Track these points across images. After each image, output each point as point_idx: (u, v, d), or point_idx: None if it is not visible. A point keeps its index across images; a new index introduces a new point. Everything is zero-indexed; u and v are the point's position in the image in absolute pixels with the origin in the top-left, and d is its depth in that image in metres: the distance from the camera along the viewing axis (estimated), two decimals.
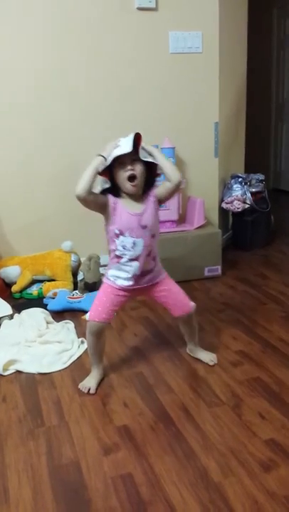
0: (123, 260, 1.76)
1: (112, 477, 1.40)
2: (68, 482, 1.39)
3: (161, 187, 1.79)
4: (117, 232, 1.73)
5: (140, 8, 2.79)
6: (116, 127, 2.88)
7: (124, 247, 1.74)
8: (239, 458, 1.44)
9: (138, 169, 1.68)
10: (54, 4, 2.68)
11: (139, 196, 1.75)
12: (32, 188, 2.89)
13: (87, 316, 1.84)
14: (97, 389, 1.83)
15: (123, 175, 1.67)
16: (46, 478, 1.41)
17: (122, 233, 1.73)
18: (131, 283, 1.80)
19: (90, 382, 1.85)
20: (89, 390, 1.82)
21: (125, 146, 1.64)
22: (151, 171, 1.74)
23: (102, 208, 1.72)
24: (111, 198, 1.72)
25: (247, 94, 3.60)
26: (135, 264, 1.76)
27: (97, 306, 1.81)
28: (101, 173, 1.68)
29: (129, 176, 1.67)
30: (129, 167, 1.67)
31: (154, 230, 1.78)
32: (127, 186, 1.69)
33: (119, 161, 1.66)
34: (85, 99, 2.85)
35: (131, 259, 1.76)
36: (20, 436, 1.60)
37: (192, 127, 3.05)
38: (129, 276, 1.79)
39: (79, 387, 1.85)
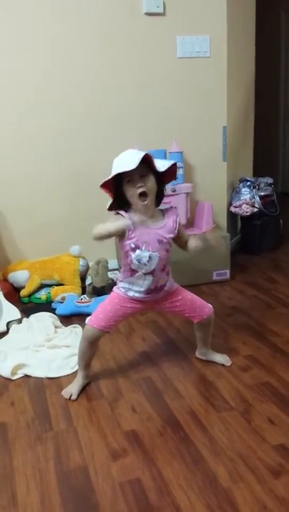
0: (138, 274, 1.75)
1: (120, 482, 1.39)
2: (76, 487, 1.39)
3: (183, 236, 1.81)
4: (133, 246, 1.71)
5: (148, 13, 2.81)
6: (123, 132, 2.89)
7: (139, 261, 1.72)
8: (248, 463, 1.43)
9: (149, 184, 1.65)
10: (62, 9, 2.70)
11: (154, 210, 1.74)
12: (40, 193, 2.90)
13: (86, 320, 1.84)
14: (79, 395, 1.82)
15: (133, 192, 1.64)
16: (54, 483, 1.41)
17: (138, 247, 1.71)
18: (142, 295, 1.80)
19: (72, 389, 1.84)
20: (71, 396, 1.81)
21: (129, 163, 1.58)
22: (162, 182, 1.73)
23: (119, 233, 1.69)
24: (125, 215, 1.68)
25: (255, 97, 3.59)
26: (149, 278, 1.75)
27: (99, 313, 1.80)
28: (104, 187, 1.67)
29: (140, 192, 1.64)
30: (138, 184, 1.63)
31: (168, 245, 1.76)
32: (138, 204, 1.67)
33: (128, 179, 1.63)
34: (92, 104, 2.86)
35: (146, 274, 1.75)
36: (29, 441, 1.60)
37: (200, 131, 3.05)
38: (142, 289, 1.78)
39: (62, 393, 1.84)
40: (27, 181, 2.87)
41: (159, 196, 1.75)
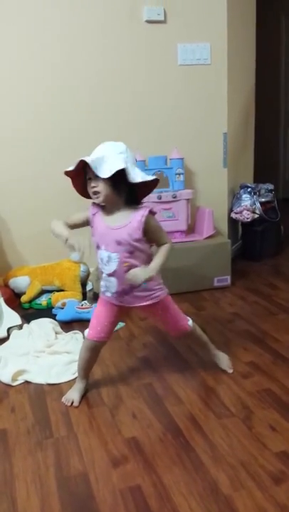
0: (103, 275, 1.72)
1: (120, 489, 1.38)
2: (76, 494, 1.38)
3: (155, 239, 1.69)
4: (95, 244, 1.69)
5: (149, 21, 2.82)
6: (124, 138, 2.89)
7: (102, 261, 1.70)
8: (249, 470, 1.43)
9: (100, 185, 1.59)
10: (63, 16, 2.72)
11: (121, 208, 1.66)
12: (42, 198, 2.91)
13: (85, 332, 1.82)
14: (80, 402, 1.82)
15: (89, 190, 1.63)
16: (54, 490, 1.40)
17: (98, 246, 1.69)
18: (116, 299, 1.75)
19: (73, 395, 1.83)
20: (72, 402, 1.81)
21: (79, 160, 1.59)
22: (136, 184, 1.62)
23: (87, 223, 1.70)
24: (92, 208, 1.69)
25: (255, 103, 3.60)
26: (113, 280, 1.69)
27: (96, 326, 1.78)
28: (73, 182, 1.66)
29: (92, 192, 1.62)
30: (92, 184, 1.61)
31: (132, 247, 1.64)
32: (94, 199, 1.65)
33: (88, 176, 1.62)
34: (94, 110, 2.87)
35: (108, 275, 1.70)
36: (29, 447, 1.59)
37: (201, 138, 3.06)
38: (113, 291, 1.73)
39: (62, 400, 1.83)
40: (28, 187, 2.88)
41: (132, 195, 1.66)
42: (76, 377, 1.92)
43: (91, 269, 2.83)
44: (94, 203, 1.70)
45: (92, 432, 1.66)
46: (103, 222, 1.67)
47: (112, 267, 1.67)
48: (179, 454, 1.52)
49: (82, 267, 2.83)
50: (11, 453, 1.57)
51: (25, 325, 2.43)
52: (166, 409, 1.76)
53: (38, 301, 2.77)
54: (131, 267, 1.65)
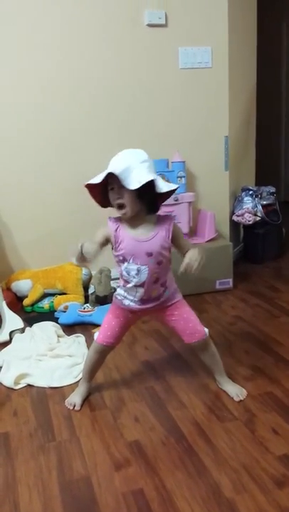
0: (129, 285, 1.70)
1: (123, 493, 1.38)
2: (79, 497, 1.38)
3: (182, 246, 1.70)
4: (121, 258, 1.67)
5: (150, 25, 2.83)
6: (126, 142, 2.90)
7: (128, 273, 1.68)
8: (252, 474, 1.42)
9: (125, 196, 1.56)
10: (65, 19, 2.73)
11: (144, 218, 1.65)
12: (44, 202, 2.92)
13: (95, 336, 1.84)
14: (82, 405, 1.82)
15: (113, 202, 1.61)
16: (57, 493, 1.40)
17: (125, 259, 1.66)
18: (137, 306, 1.75)
19: (75, 399, 1.83)
20: (74, 406, 1.81)
21: (105, 171, 1.55)
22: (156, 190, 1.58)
23: (110, 240, 1.67)
24: (111, 225, 1.65)
25: (256, 106, 3.61)
26: (141, 290, 1.70)
27: (107, 330, 1.78)
28: (91, 192, 1.62)
29: (117, 204, 1.60)
30: (116, 195, 1.58)
31: (161, 257, 1.66)
32: (119, 213, 1.62)
33: (111, 186, 1.58)
34: (95, 113, 2.88)
35: (137, 286, 1.69)
36: (31, 451, 1.59)
37: (202, 141, 3.06)
38: (136, 299, 1.74)
39: (65, 403, 1.84)
40: (30, 191, 2.89)
41: (152, 204, 1.65)
42: (79, 381, 1.93)
43: (93, 273, 2.83)
44: (110, 218, 1.67)
45: (95, 435, 1.66)
46: (129, 235, 1.63)
47: (142, 278, 1.67)
48: (181, 457, 1.52)
49: (84, 270, 2.83)
50: (14, 456, 1.57)
51: (27, 328, 2.43)
52: (169, 412, 1.75)
53: (40, 304, 2.77)
54: (158, 277, 1.69)
